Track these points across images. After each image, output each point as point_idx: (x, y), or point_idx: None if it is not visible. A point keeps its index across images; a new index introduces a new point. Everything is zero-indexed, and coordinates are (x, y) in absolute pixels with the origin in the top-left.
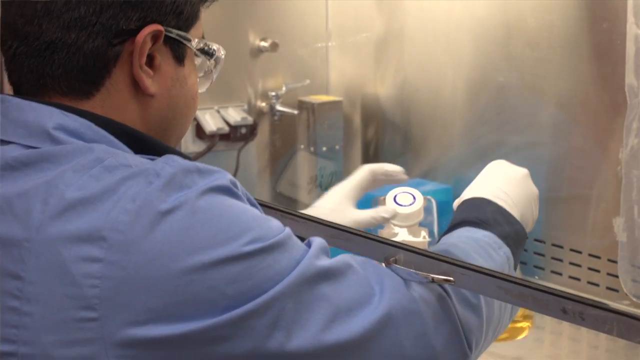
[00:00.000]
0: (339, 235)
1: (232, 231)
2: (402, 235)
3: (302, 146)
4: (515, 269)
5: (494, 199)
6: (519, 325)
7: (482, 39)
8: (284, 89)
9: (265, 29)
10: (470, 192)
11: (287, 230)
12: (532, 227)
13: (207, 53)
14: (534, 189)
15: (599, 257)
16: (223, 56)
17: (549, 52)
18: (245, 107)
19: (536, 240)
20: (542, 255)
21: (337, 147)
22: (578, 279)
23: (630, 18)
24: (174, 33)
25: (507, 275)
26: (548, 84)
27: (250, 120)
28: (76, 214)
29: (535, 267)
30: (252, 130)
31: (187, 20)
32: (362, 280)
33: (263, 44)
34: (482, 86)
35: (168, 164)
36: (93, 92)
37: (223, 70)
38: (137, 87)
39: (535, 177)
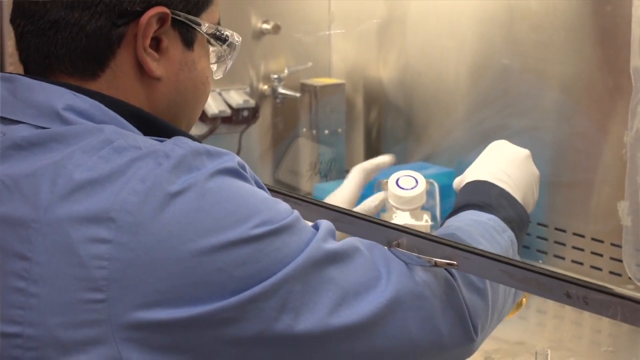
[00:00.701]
0: (342, 219)
1: (241, 214)
2: (404, 218)
3: (304, 129)
4: (518, 252)
5: (497, 182)
6: None
7: (485, 23)
8: (286, 71)
9: (267, 11)
10: (472, 173)
11: (295, 213)
12: (533, 209)
13: (219, 38)
14: (535, 171)
15: (602, 242)
16: (238, 42)
17: (553, 36)
18: (248, 89)
19: (539, 224)
20: (545, 239)
21: (339, 130)
22: (581, 263)
23: (636, 1)
24: (182, 16)
25: (511, 259)
26: (551, 68)
27: (252, 103)
28: (85, 194)
29: (538, 251)
30: (254, 113)
31: (198, 4)
32: (369, 263)
33: (265, 26)
34: (485, 70)
35: (178, 145)
36: (98, 72)
37: None
38: (142, 69)
39: (538, 161)
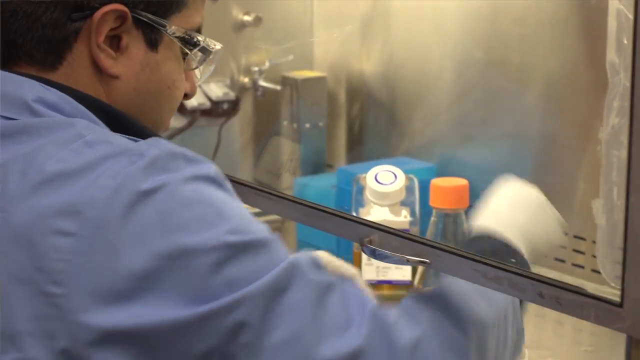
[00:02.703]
0: (314, 215)
1: (212, 219)
2: (382, 214)
3: (285, 122)
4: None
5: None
6: None
7: (468, 16)
8: (267, 64)
9: (248, 2)
10: (482, 221)
11: (275, 235)
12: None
13: (189, 43)
14: (552, 216)
15: (584, 239)
16: (215, 50)
17: (537, 29)
18: (228, 82)
19: None
20: None
21: (320, 124)
22: (563, 261)
23: None
24: (144, 16)
25: (483, 257)
26: (535, 62)
27: (232, 95)
28: (54, 187)
29: None
30: (234, 105)
31: (164, 6)
32: (344, 305)
33: (246, 18)
34: (468, 64)
35: (154, 145)
36: (56, 64)
37: None
38: (99, 66)
39: (520, 156)
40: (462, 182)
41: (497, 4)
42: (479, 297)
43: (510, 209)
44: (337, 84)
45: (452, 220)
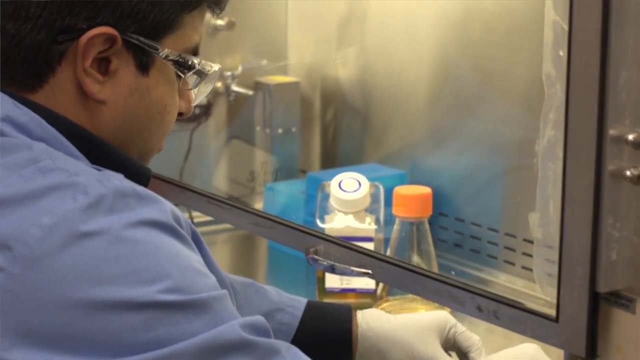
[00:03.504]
0: (262, 224)
1: (149, 275)
2: (347, 221)
3: (257, 128)
4: None
5: None
6: None
7: (439, 22)
8: (240, 69)
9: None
10: None
11: (221, 292)
12: None
13: (183, 66)
14: None
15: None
16: (211, 72)
17: (507, 37)
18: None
19: (490, 229)
20: (496, 244)
21: (293, 129)
22: (530, 270)
23: (548, 3)
24: (135, 39)
25: (424, 270)
26: (504, 69)
27: (204, 100)
28: None
29: (489, 256)
30: (206, 110)
31: (157, 27)
32: None
33: (220, 22)
34: (440, 71)
35: (102, 182)
36: (37, 87)
37: None
38: (84, 90)
39: (491, 165)
40: (426, 190)
41: (468, 11)
42: None
43: None
44: (312, 89)
45: (415, 228)
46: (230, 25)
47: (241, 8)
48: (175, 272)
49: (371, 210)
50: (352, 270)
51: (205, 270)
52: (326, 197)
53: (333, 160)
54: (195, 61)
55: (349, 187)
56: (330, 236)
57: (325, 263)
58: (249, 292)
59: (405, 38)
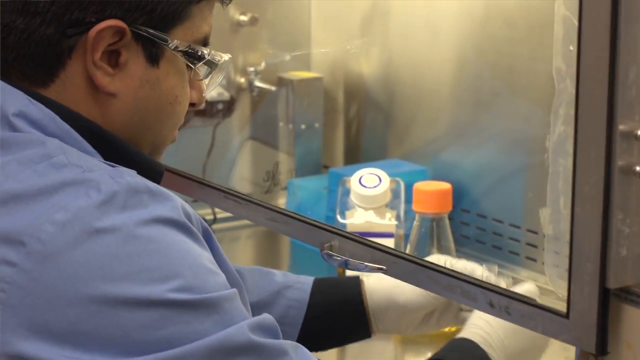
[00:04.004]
0: (278, 219)
1: (161, 273)
2: (368, 217)
3: (281, 123)
4: None
5: (486, 348)
6: None
7: (461, 18)
8: (263, 64)
9: (246, 2)
10: (469, 327)
11: (231, 291)
12: None
13: (193, 57)
14: (541, 343)
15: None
16: (221, 62)
17: (527, 32)
18: (224, 82)
19: (512, 225)
20: (518, 240)
21: (316, 125)
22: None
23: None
24: (143, 31)
25: (437, 265)
26: (525, 65)
27: (227, 96)
28: (7, 209)
29: (511, 252)
30: (229, 106)
31: (165, 19)
32: None
33: (243, 18)
34: (462, 67)
35: (115, 179)
36: (48, 82)
37: None
38: (95, 83)
39: (511, 161)
40: (445, 186)
41: (490, 6)
42: None
43: (507, 329)
44: (336, 85)
45: (435, 224)
46: (253, 21)
47: (264, 3)
48: (186, 270)
49: (392, 206)
50: (366, 266)
51: (216, 268)
52: (347, 192)
53: (356, 156)
54: (205, 51)
55: (369, 182)
56: (345, 231)
57: (339, 258)
58: (255, 277)
59: (427, 34)
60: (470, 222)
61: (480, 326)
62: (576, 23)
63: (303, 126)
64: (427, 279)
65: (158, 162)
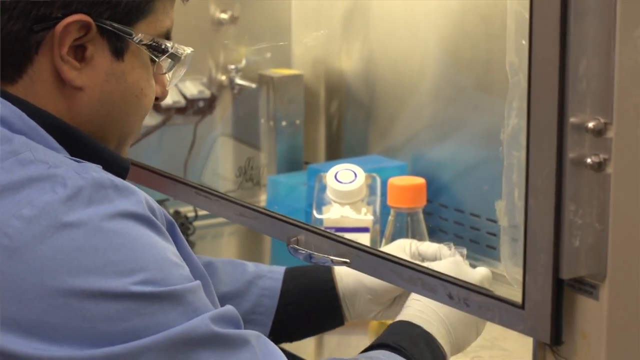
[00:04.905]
0: (247, 214)
1: (126, 265)
2: (343, 212)
3: (262, 120)
4: None
5: (423, 324)
6: None
7: (438, 14)
8: (243, 62)
9: (226, 0)
10: (407, 310)
11: (194, 283)
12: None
13: (157, 50)
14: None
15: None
16: (184, 55)
17: (502, 28)
18: (205, 80)
19: (489, 219)
20: (494, 235)
21: (297, 121)
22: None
23: None
24: (108, 25)
25: (399, 258)
26: (501, 60)
27: (207, 94)
28: None
29: (488, 246)
30: (210, 103)
31: (130, 13)
32: None
33: (223, 16)
34: (440, 63)
35: (80, 174)
36: (16, 78)
37: (183, 42)
38: (62, 77)
39: (490, 156)
40: (419, 180)
41: (465, 2)
42: None
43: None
44: (317, 81)
45: (409, 218)
46: (233, 20)
47: (245, 1)
48: (151, 264)
49: (369, 201)
50: (331, 260)
51: (180, 261)
52: (323, 188)
53: (338, 152)
54: (168, 45)
55: (344, 178)
56: (310, 226)
57: (304, 252)
58: (228, 268)
59: (406, 31)
60: (448, 217)
61: (412, 307)
62: (528, 17)
63: (284, 123)
64: (390, 272)
65: (124, 158)
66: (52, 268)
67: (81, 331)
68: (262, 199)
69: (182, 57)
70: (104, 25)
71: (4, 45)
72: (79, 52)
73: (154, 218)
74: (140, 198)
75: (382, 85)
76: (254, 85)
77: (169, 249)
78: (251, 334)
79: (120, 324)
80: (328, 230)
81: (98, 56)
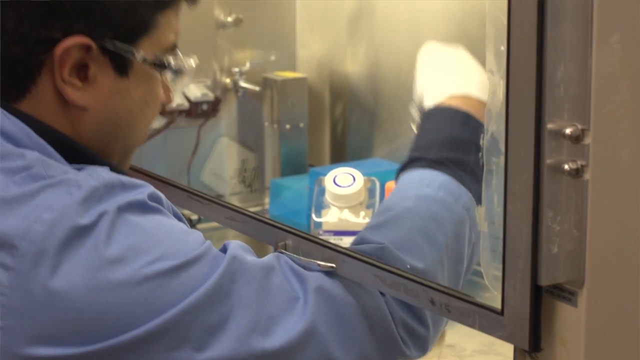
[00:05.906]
0: (236, 218)
1: (141, 248)
2: (342, 215)
3: (266, 123)
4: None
5: (460, 105)
6: None
7: (440, 17)
8: (248, 65)
9: (231, 3)
10: (429, 93)
11: (206, 243)
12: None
13: (160, 66)
14: (474, 64)
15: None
16: (187, 68)
17: None
18: (209, 83)
19: None
20: None
21: (301, 125)
22: None
23: None
24: (110, 44)
25: (382, 263)
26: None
27: (211, 96)
28: None
29: None
30: (214, 106)
31: (132, 31)
32: (285, 284)
33: (228, 19)
34: None
35: (91, 176)
36: (20, 97)
37: (188, 45)
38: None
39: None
40: None
41: (466, 5)
42: (420, 238)
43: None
44: (322, 84)
45: None
46: (237, 22)
47: (249, 4)
48: (166, 239)
49: (368, 205)
50: (318, 265)
51: (190, 229)
52: (323, 192)
53: (342, 156)
54: (172, 61)
55: (343, 182)
56: (298, 230)
57: (292, 257)
58: None
59: (409, 34)
60: None
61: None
62: (506, 23)
63: (288, 126)
64: (374, 277)
65: (125, 173)
66: (77, 269)
67: (117, 320)
68: (266, 202)
69: (185, 71)
70: (106, 45)
71: (6, 68)
72: (82, 71)
73: (154, 203)
74: (144, 188)
75: (386, 89)
76: (258, 88)
77: (175, 225)
78: (271, 258)
79: (154, 301)
80: (326, 234)
81: (101, 74)
